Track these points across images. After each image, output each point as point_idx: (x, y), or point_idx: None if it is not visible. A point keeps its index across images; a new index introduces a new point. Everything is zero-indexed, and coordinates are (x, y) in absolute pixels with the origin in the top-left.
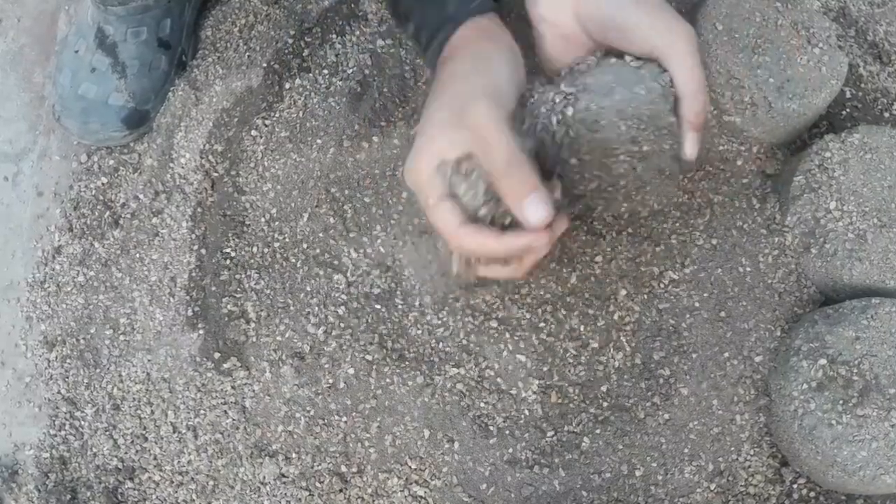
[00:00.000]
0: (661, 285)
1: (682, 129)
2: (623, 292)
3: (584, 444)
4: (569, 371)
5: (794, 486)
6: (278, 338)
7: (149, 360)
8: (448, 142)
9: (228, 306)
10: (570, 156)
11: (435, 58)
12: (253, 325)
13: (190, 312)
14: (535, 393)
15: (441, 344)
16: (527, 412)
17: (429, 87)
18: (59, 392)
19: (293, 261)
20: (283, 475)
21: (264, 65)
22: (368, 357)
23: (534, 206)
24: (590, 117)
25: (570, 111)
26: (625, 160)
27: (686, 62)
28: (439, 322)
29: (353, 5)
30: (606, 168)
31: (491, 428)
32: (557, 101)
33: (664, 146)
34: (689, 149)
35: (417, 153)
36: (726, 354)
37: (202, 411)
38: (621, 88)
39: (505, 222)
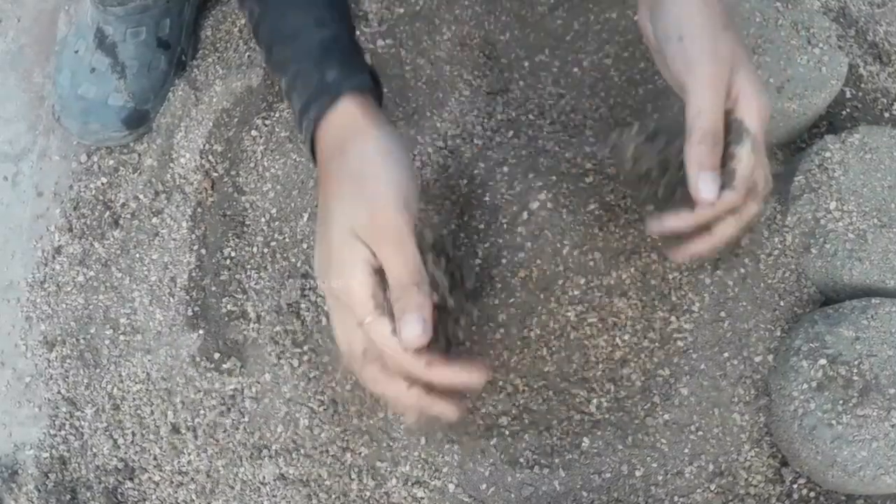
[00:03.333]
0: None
1: (687, 168)
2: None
3: (583, 444)
4: (569, 371)
5: (794, 486)
6: (279, 338)
7: (149, 360)
8: (351, 256)
9: (228, 306)
10: None
11: (310, 133)
12: (253, 325)
13: (190, 312)
14: (534, 391)
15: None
16: (527, 410)
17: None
18: (59, 392)
19: (293, 260)
20: (283, 476)
21: (264, 65)
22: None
23: (411, 324)
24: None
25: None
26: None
27: (700, 102)
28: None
29: (353, 5)
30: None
31: (492, 429)
32: None
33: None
34: (703, 190)
35: (341, 263)
36: (726, 354)
37: (202, 411)
38: None
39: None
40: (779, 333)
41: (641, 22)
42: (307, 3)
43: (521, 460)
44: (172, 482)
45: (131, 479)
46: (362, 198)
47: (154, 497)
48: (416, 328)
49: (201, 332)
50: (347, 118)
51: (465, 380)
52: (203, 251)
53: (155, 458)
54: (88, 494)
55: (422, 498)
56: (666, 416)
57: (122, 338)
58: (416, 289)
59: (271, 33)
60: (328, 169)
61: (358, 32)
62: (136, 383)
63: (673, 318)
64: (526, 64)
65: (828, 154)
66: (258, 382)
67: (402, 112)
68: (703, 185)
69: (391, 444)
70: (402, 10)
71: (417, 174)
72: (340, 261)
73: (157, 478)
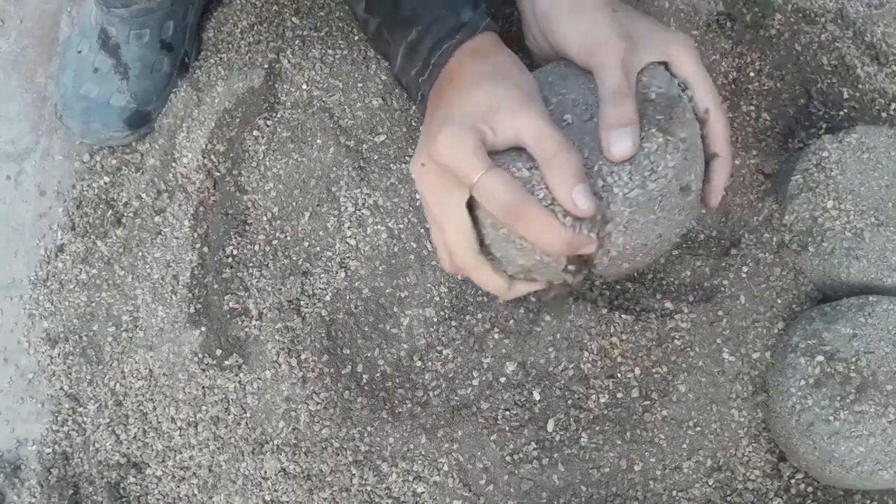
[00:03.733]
0: (661, 283)
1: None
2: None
3: (582, 439)
4: (568, 368)
5: (792, 481)
6: (279, 335)
7: (151, 357)
8: (497, 127)
9: (230, 304)
10: None
11: (438, 68)
12: (255, 322)
13: (192, 310)
14: (536, 390)
15: (443, 339)
16: (526, 407)
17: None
18: (61, 388)
19: (295, 258)
20: (285, 470)
21: (266, 66)
22: (369, 354)
23: (581, 195)
24: None
25: None
26: None
27: (604, 72)
28: (439, 320)
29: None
30: None
31: (491, 423)
32: None
33: None
34: (614, 147)
35: (457, 130)
36: (724, 351)
37: (204, 407)
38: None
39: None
40: (776, 331)
41: (531, 46)
42: None
43: (521, 455)
44: (174, 477)
45: (134, 474)
46: (504, 86)
47: (156, 492)
48: (588, 200)
49: (203, 329)
50: (486, 45)
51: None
52: (205, 249)
53: (157, 454)
54: (91, 489)
55: (422, 493)
56: (664, 412)
57: (124, 335)
58: (573, 156)
59: None
60: (461, 72)
61: (360, 33)
62: (139, 380)
63: (671, 317)
64: None
65: (825, 154)
66: (259, 379)
67: None
68: (614, 141)
69: (392, 439)
70: None
71: None
72: (443, 132)
73: (159, 473)
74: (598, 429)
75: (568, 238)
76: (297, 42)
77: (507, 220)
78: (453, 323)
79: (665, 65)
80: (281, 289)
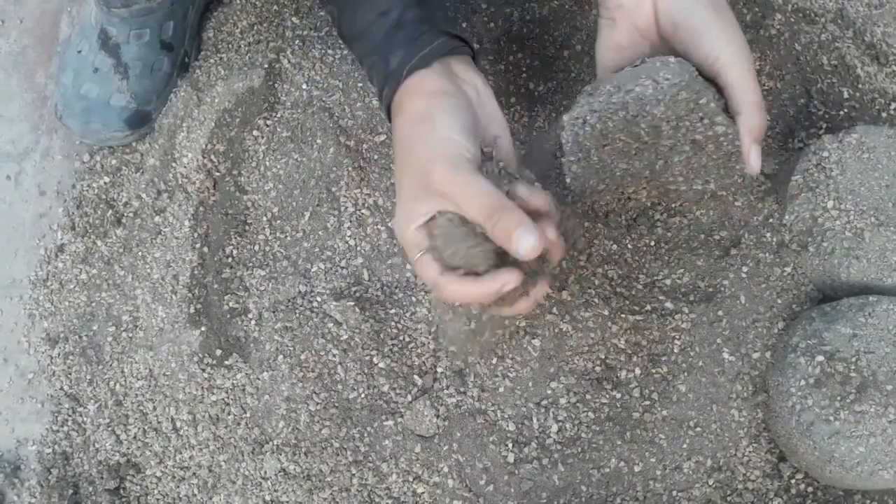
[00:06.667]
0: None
1: (742, 142)
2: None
3: (582, 439)
4: (568, 368)
5: (792, 481)
6: (279, 335)
7: (151, 357)
8: (419, 209)
9: (230, 304)
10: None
11: (387, 110)
12: (254, 322)
13: (192, 310)
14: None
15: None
16: (527, 409)
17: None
18: (61, 388)
19: (295, 259)
20: (285, 470)
21: (266, 65)
22: (369, 354)
23: (523, 238)
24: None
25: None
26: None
27: (746, 75)
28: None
29: None
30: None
31: (490, 423)
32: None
33: (694, 125)
34: (753, 161)
35: (397, 217)
36: (724, 351)
37: (204, 407)
38: (649, 77)
39: (479, 271)
40: (776, 331)
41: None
42: None
43: (521, 455)
44: (174, 477)
45: (133, 475)
46: (413, 162)
47: (156, 492)
48: (529, 240)
49: (203, 329)
50: (406, 96)
51: (514, 276)
52: (205, 249)
53: (157, 454)
54: (91, 489)
55: (422, 493)
56: (664, 413)
57: (124, 335)
58: (508, 210)
59: (347, 31)
60: (398, 122)
61: None
62: (139, 380)
63: (671, 316)
64: None
65: (825, 154)
66: (259, 379)
67: None
68: (754, 157)
69: (392, 439)
70: None
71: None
72: (396, 211)
73: (159, 473)
74: (598, 429)
75: (492, 290)
76: (297, 42)
77: (437, 294)
78: None
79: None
80: (281, 289)
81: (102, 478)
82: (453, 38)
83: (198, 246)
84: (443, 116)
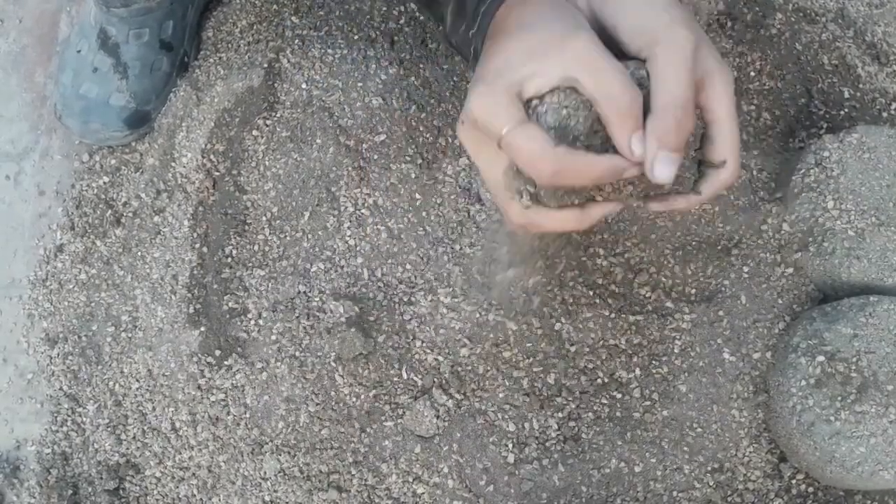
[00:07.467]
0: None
1: (647, 146)
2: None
3: (583, 440)
4: (568, 368)
5: (793, 481)
6: (279, 335)
7: (150, 357)
8: (537, 70)
9: (230, 304)
10: None
11: (488, 18)
12: (254, 322)
13: (191, 310)
14: (534, 390)
15: (440, 334)
16: (527, 409)
17: None
18: (60, 389)
19: (294, 259)
20: (284, 471)
21: (265, 65)
22: (368, 354)
23: (638, 142)
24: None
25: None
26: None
27: (667, 72)
28: (438, 317)
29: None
30: None
31: (490, 424)
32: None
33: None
34: (657, 171)
35: (488, 84)
36: (725, 351)
37: (203, 407)
38: None
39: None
40: (777, 331)
41: None
42: None
43: (521, 456)
44: (174, 477)
45: (133, 475)
46: (545, 26)
47: (155, 492)
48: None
49: (203, 329)
50: (516, 4)
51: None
52: (205, 249)
53: (156, 454)
54: (90, 490)
55: (422, 493)
56: (665, 413)
57: (123, 335)
58: (636, 100)
59: None
60: (506, 24)
61: (361, 33)
62: (138, 380)
63: (671, 317)
64: None
65: (826, 153)
66: (258, 379)
67: None
68: (659, 166)
69: (392, 440)
70: None
71: None
72: (482, 83)
73: (158, 473)
74: (598, 429)
75: (613, 167)
76: (296, 41)
77: (536, 175)
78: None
79: None
80: (280, 289)
81: (102, 478)
82: None
83: (197, 246)
84: (579, 17)
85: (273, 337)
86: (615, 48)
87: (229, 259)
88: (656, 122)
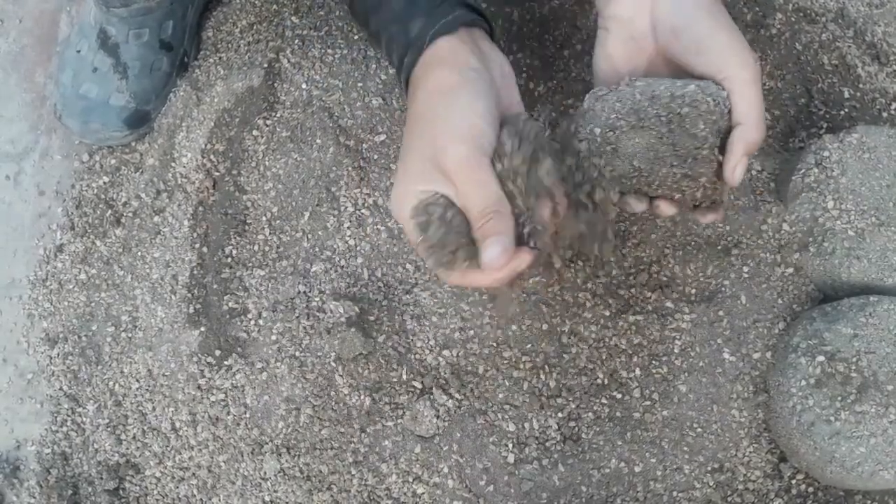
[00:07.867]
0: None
1: (732, 153)
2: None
3: (583, 440)
4: (568, 368)
5: (793, 481)
6: (279, 335)
7: (150, 357)
8: (422, 186)
9: (230, 304)
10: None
11: (405, 83)
12: (254, 322)
13: (191, 310)
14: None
15: (440, 334)
16: (527, 409)
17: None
18: (60, 389)
19: (294, 259)
20: (284, 471)
21: (265, 65)
22: (368, 354)
23: (490, 248)
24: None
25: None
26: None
27: (751, 90)
28: (437, 317)
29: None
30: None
31: (490, 424)
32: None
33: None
34: (739, 173)
35: (395, 192)
36: (725, 351)
37: (203, 407)
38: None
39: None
40: (777, 331)
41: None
42: None
43: (521, 456)
44: (174, 477)
45: (133, 475)
46: (427, 137)
47: (155, 492)
48: (495, 250)
49: (202, 329)
50: (428, 65)
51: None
52: (204, 249)
53: (156, 455)
54: (90, 490)
55: (422, 493)
56: (665, 413)
57: (123, 335)
58: (496, 215)
59: (360, 5)
60: (414, 96)
61: (361, 33)
62: (138, 380)
63: (671, 317)
64: None
65: (826, 153)
66: (258, 379)
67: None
68: (740, 171)
69: (392, 440)
70: None
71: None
72: (394, 188)
73: (158, 473)
74: (598, 429)
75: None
76: (296, 41)
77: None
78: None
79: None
80: (280, 289)
81: (102, 478)
82: (473, 10)
83: (197, 246)
84: (468, 96)
85: (273, 337)
86: (680, 70)
87: (229, 259)
88: (747, 133)
